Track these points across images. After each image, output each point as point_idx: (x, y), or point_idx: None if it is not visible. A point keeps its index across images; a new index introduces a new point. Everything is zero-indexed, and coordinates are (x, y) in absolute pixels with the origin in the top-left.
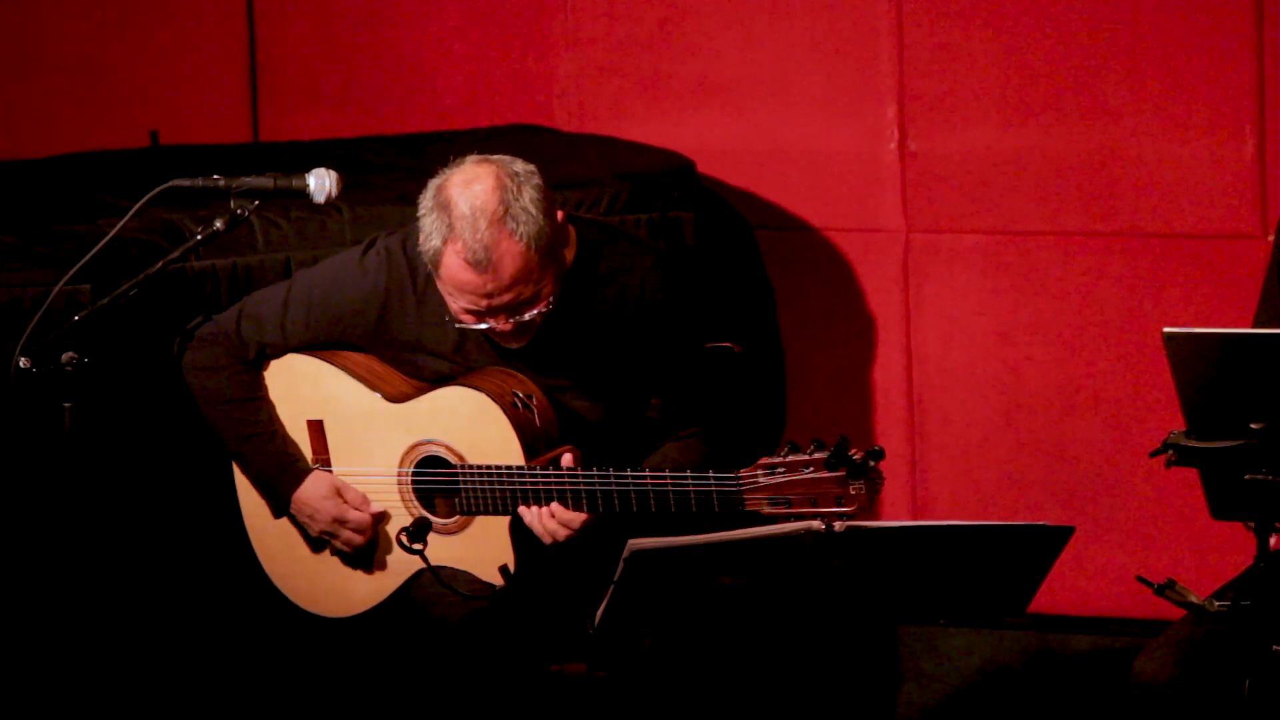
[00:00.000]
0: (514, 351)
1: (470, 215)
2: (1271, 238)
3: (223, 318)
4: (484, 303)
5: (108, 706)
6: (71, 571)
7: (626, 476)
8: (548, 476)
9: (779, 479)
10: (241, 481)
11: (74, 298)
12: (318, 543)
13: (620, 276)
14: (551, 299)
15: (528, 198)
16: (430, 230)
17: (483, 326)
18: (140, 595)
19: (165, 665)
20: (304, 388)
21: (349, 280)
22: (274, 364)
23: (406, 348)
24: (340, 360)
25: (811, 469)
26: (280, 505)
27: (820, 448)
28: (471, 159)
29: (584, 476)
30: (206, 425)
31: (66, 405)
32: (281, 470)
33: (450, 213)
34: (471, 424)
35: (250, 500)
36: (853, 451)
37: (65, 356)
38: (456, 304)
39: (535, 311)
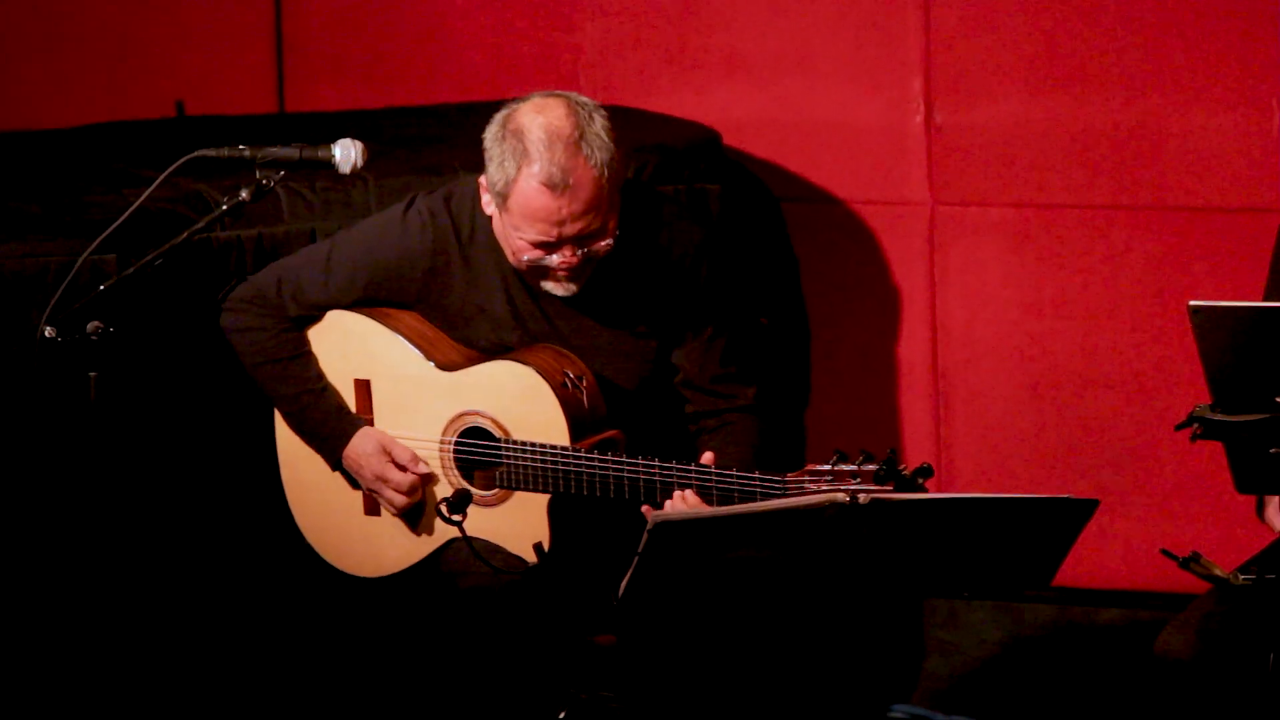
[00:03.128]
0: (560, 303)
1: (546, 139)
2: None
3: (260, 280)
4: (555, 231)
5: (130, 669)
6: (98, 540)
7: (671, 468)
8: (591, 460)
9: (825, 487)
10: (282, 436)
11: (99, 267)
12: (352, 501)
13: (666, 242)
14: (616, 234)
15: (599, 125)
16: (502, 158)
17: (554, 260)
18: (167, 564)
19: (188, 634)
20: (353, 346)
21: (392, 239)
22: (324, 320)
23: (455, 311)
24: (392, 321)
25: (859, 480)
26: (334, 461)
27: (869, 459)
28: (536, 94)
29: (628, 465)
30: (233, 393)
31: (92, 375)
32: (334, 428)
33: (524, 138)
34: (519, 399)
35: (288, 454)
36: (901, 466)
37: (91, 326)
38: (526, 236)
39: (602, 244)
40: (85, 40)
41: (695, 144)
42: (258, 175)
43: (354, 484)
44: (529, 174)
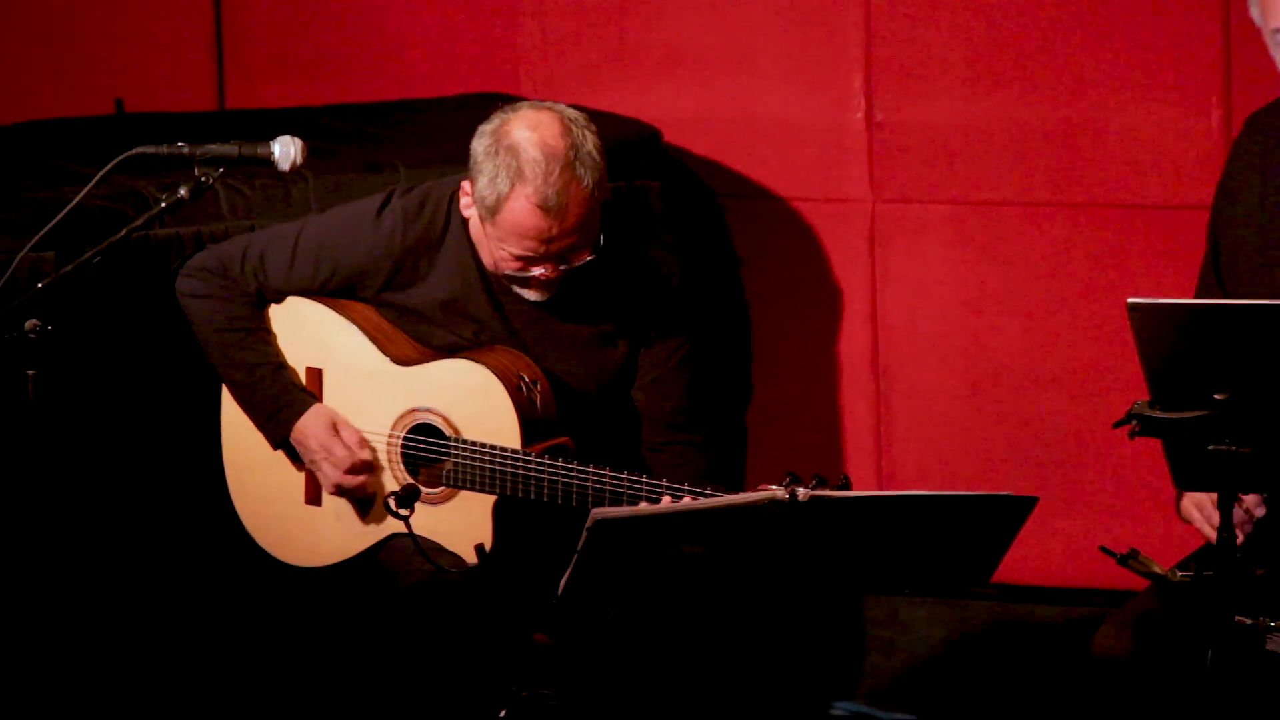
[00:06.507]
0: (523, 310)
1: (542, 159)
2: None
3: (224, 251)
4: (542, 249)
5: (67, 665)
6: (37, 540)
7: (622, 478)
8: (540, 465)
9: None
10: (227, 421)
11: (37, 265)
12: (294, 489)
13: (641, 267)
14: (598, 248)
15: (591, 144)
16: (494, 173)
17: (534, 272)
18: (105, 562)
19: (126, 629)
20: (308, 333)
21: (363, 238)
22: (281, 305)
23: (413, 309)
24: (349, 312)
25: None
26: (280, 436)
27: (821, 484)
28: (525, 104)
29: (578, 472)
30: (174, 390)
31: (30, 373)
32: (287, 402)
33: (519, 156)
34: (472, 398)
35: (233, 439)
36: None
37: (29, 324)
38: (510, 250)
39: (583, 258)
40: (25, 37)
41: (635, 141)
42: (196, 172)
43: (298, 465)
44: (523, 193)
